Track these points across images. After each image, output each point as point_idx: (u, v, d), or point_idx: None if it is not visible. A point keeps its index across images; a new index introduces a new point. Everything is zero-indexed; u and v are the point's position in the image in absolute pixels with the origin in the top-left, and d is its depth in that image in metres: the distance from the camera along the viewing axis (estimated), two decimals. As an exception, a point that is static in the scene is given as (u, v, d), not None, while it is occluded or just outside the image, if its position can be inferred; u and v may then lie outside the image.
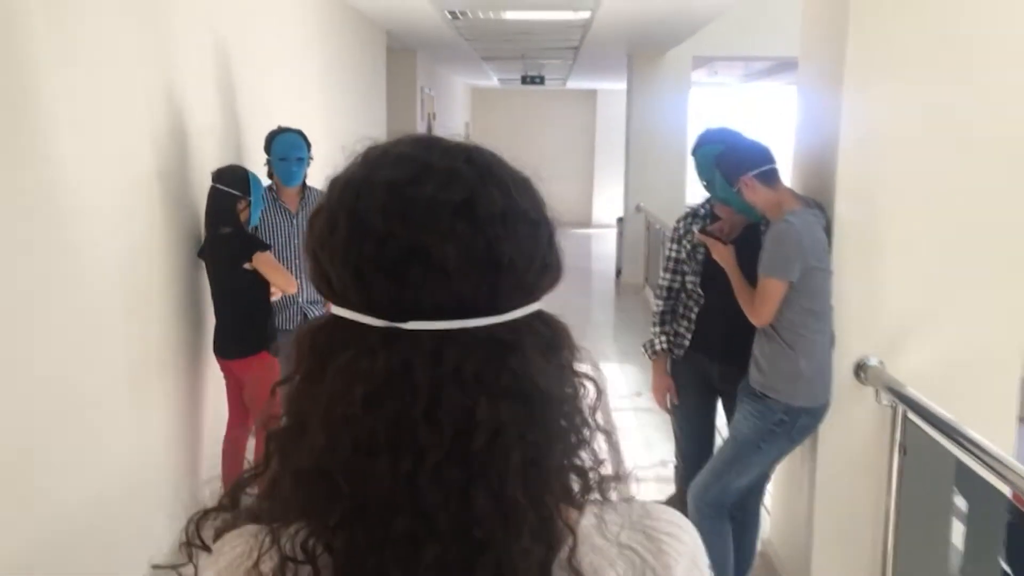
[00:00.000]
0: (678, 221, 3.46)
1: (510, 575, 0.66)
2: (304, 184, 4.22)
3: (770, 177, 2.97)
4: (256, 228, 3.93)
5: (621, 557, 0.72)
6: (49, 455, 2.61)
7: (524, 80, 13.95)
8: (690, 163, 3.40)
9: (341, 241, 0.69)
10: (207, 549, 0.75)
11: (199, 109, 3.88)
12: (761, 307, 2.90)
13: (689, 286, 3.35)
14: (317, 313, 4.26)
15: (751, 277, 3.01)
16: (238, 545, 0.73)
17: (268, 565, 0.69)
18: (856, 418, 3.12)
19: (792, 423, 2.94)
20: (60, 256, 2.69)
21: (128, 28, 3.19)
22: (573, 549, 0.69)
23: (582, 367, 0.75)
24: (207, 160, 3.89)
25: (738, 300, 3.00)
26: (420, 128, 10.61)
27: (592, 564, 0.71)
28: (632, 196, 10.77)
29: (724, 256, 3.08)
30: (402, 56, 9.85)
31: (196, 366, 3.88)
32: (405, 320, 0.67)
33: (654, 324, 3.48)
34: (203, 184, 3.77)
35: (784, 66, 13.23)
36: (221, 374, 3.89)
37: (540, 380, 0.69)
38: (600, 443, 0.75)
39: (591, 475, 0.74)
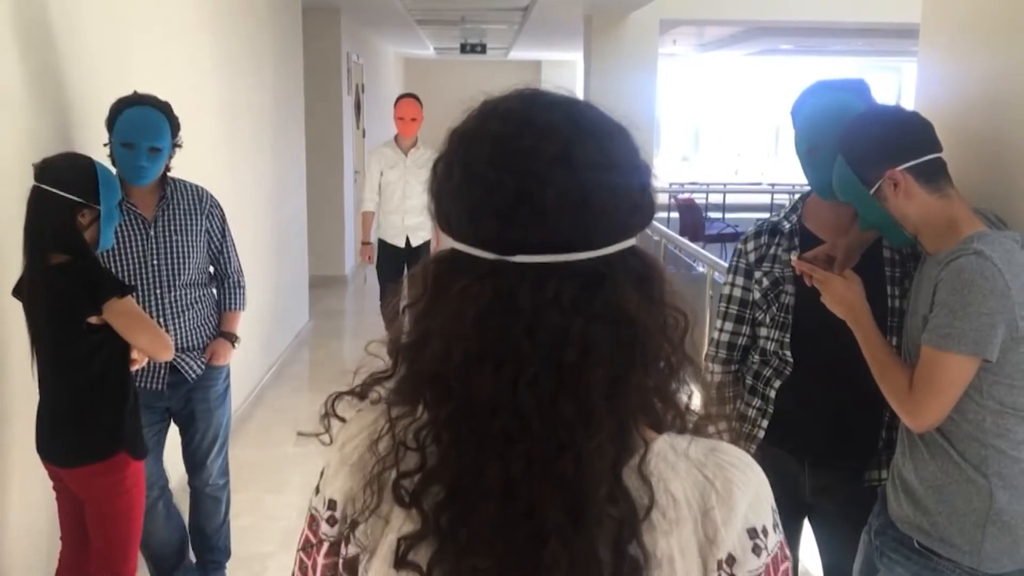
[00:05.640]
0: (745, 241, 2.21)
1: (585, 470, 0.77)
2: (165, 176, 2.86)
3: (936, 173, 1.75)
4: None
5: (688, 473, 0.81)
6: None
7: (463, 49, 12.58)
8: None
9: (456, 187, 0.81)
10: (342, 420, 0.91)
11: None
12: (928, 399, 1.68)
13: (771, 346, 2.11)
14: (193, 364, 2.92)
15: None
16: (366, 418, 0.90)
17: (383, 444, 0.85)
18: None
19: (981, 600, 1.72)
20: None
21: None
22: (643, 457, 0.80)
23: (673, 299, 0.84)
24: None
25: (878, 382, 1.78)
26: (347, 101, 9.17)
27: (660, 473, 0.81)
28: (590, 179, 9.50)
29: (846, 297, 1.85)
30: (323, 16, 8.39)
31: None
32: (513, 254, 0.78)
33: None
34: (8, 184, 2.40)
35: (749, 33, 12.10)
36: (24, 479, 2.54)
37: (629, 307, 0.79)
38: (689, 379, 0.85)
39: (675, 401, 0.84)
